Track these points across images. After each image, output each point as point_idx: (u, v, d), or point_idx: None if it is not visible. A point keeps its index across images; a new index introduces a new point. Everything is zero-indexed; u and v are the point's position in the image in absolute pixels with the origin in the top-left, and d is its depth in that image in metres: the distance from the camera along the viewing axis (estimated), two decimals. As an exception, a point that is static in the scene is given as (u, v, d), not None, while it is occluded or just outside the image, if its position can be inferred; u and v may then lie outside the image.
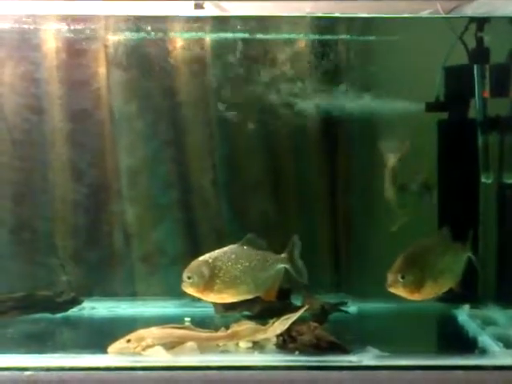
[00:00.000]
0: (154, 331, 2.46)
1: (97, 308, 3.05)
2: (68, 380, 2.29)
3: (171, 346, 2.42)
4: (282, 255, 2.61)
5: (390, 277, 2.51)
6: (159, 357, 2.38)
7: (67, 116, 3.13)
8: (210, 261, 2.53)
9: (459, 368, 2.29)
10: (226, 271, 2.53)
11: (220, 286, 2.53)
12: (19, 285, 3.04)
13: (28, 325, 2.84)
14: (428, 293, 2.56)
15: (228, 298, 2.58)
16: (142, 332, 2.45)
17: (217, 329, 2.50)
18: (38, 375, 2.29)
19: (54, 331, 2.84)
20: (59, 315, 2.93)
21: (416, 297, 2.54)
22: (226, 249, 2.57)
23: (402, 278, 2.50)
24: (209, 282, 2.52)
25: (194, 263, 2.54)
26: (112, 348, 2.43)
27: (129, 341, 2.43)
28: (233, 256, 2.56)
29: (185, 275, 2.53)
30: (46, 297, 2.93)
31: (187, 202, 3.19)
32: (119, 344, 2.43)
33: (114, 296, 3.13)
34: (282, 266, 2.61)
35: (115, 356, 2.40)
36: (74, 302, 2.97)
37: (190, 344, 2.42)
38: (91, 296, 3.07)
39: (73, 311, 2.97)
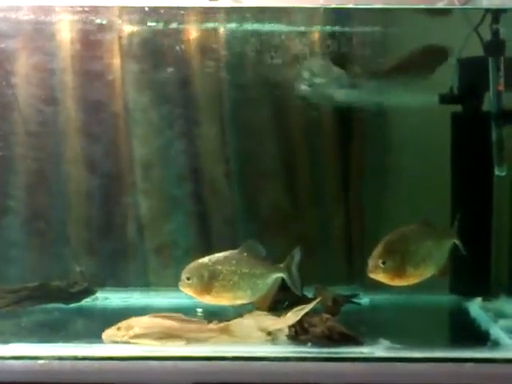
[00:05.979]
0: (144, 320, 2.45)
1: (110, 298, 3.06)
2: (81, 369, 2.30)
3: (160, 336, 2.42)
4: (281, 265, 2.60)
5: (371, 262, 2.50)
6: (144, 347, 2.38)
7: (82, 107, 3.15)
8: (210, 264, 2.55)
9: (471, 360, 2.29)
10: (225, 275, 2.54)
11: (218, 289, 2.54)
12: (33, 275, 3.06)
13: (41, 315, 2.85)
14: (409, 279, 2.54)
15: (223, 301, 2.59)
16: (131, 320, 2.45)
17: (228, 319, 2.51)
18: (51, 364, 2.30)
19: (68, 321, 2.85)
20: (73, 305, 2.94)
21: (396, 282, 2.52)
22: (226, 253, 2.59)
23: (383, 263, 2.49)
24: (207, 284, 2.53)
25: (194, 264, 2.56)
26: (104, 334, 2.43)
27: (119, 328, 2.43)
28: (233, 261, 2.57)
29: (184, 275, 2.55)
30: (59, 287, 2.94)
31: (201, 193, 3.19)
32: (110, 331, 2.44)
33: (127, 286, 3.15)
34: (280, 275, 2.60)
35: (129, 346, 2.41)
36: (88, 292, 2.98)
37: (179, 343, 2.41)
38: (105, 286, 3.08)
39: (86, 301, 2.98)
